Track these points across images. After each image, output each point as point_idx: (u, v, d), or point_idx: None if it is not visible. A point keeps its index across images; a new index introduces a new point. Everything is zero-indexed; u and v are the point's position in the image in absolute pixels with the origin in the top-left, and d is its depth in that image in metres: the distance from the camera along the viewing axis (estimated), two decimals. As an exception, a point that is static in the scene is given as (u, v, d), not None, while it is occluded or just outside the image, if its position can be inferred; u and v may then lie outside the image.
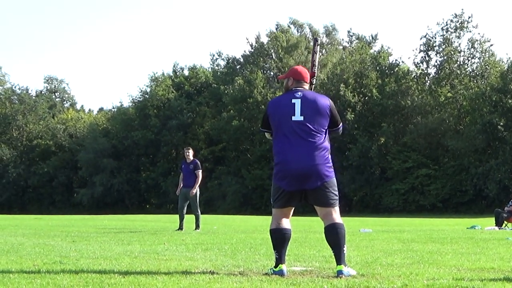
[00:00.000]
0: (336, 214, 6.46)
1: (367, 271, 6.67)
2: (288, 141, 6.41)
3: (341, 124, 6.71)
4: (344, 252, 6.41)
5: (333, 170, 6.52)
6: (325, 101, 6.55)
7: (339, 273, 6.18)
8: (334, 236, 6.38)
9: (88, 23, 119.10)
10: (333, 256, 6.43)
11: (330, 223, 6.41)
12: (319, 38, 7.13)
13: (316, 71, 6.94)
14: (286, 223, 6.54)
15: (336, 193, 6.51)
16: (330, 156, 6.54)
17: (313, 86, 6.88)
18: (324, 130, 6.49)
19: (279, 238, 6.49)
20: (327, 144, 6.51)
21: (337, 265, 6.31)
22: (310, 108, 6.44)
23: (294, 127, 6.40)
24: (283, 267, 6.38)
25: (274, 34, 65.56)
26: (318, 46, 7.16)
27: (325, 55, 64.45)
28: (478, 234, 16.17)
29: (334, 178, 6.53)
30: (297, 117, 6.41)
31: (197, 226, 16.80)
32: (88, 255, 8.77)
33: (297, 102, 6.45)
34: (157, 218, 33.04)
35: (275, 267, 6.43)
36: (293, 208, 6.66)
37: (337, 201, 6.50)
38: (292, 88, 6.62)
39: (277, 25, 67.55)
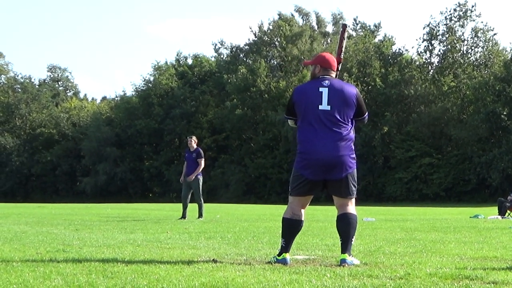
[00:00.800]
0: (351, 206, 6.45)
1: (370, 260, 6.67)
2: (314, 130, 6.33)
3: (366, 113, 6.64)
4: (352, 242, 6.41)
5: (355, 161, 6.49)
6: (352, 90, 6.48)
7: (343, 262, 6.18)
8: (346, 225, 6.38)
9: (91, 11, 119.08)
10: (339, 245, 6.41)
11: (344, 212, 6.41)
12: (348, 25, 7.05)
13: (342, 58, 6.81)
14: (301, 213, 6.50)
15: (356, 184, 6.50)
16: (353, 147, 6.50)
17: (338, 72, 6.74)
18: (350, 120, 6.44)
19: (291, 228, 6.48)
20: (352, 134, 6.46)
21: (341, 253, 6.31)
22: (337, 97, 6.35)
23: (320, 116, 6.32)
24: (287, 256, 6.38)
25: (277, 23, 65.32)
26: (347, 33, 7.07)
27: (329, 44, 64.29)
28: (481, 223, 16.18)
29: (355, 169, 6.50)
30: (324, 106, 6.33)
31: (200, 215, 16.82)
32: (91, 243, 8.79)
33: (325, 91, 6.36)
34: (160, 206, 33.12)
35: (279, 255, 6.42)
36: (312, 197, 6.62)
37: (355, 192, 6.49)
38: (319, 76, 6.51)
39: (279, 14, 67.17)
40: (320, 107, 6.33)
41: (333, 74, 6.56)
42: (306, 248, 8.04)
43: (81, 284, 4.88)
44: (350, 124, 6.43)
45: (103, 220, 16.70)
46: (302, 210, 6.53)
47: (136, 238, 9.83)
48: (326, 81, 6.42)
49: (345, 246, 6.31)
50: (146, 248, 8.08)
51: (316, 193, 6.57)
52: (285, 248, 6.44)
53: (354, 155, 6.46)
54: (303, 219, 6.52)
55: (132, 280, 5.09)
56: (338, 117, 6.34)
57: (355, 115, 6.47)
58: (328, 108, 6.32)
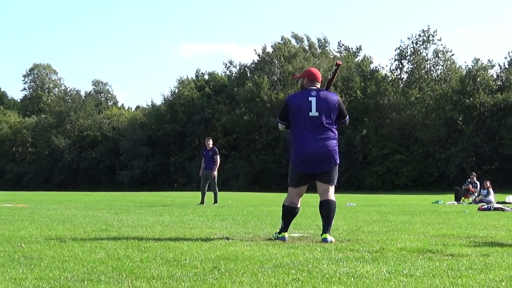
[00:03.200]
0: (331, 192, 6.43)
1: (352, 237, 6.67)
2: (306, 131, 6.32)
3: (347, 116, 6.59)
4: (332, 224, 6.40)
5: (338, 156, 6.47)
6: (334, 98, 6.47)
7: (324, 240, 6.16)
8: (327, 210, 6.37)
9: (128, 37, 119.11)
10: (322, 226, 6.41)
11: (326, 199, 6.39)
12: (341, 63, 6.81)
13: (330, 86, 6.75)
14: (297, 201, 6.51)
15: (337, 174, 6.50)
16: (338, 145, 6.49)
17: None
18: (335, 122, 6.42)
19: (289, 213, 6.48)
20: (336, 134, 6.45)
21: (323, 233, 6.29)
22: (323, 105, 6.33)
23: (311, 120, 6.31)
24: (286, 235, 6.38)
25: (277, 46, 65.38)
26: (339, 70, 6.96)
27: (317, 63, 64.25)
28: (441, 207, 16.18)
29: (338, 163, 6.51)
30: (313, 112, 6.31)
31: (215, 201, 16.83)
32: (128, 224, 8.80)
33: (313, 100, 6.33)
34: (183, 194, 33.13)
35: (279, 233, 6.43)
36: (307, 187, 6.60)
37: (336, 180, 6.50)
38: (307, 87, 6.48)
39: (281, 38, 67.46)
40: (310, 114, 6.31)
41: (318, 85, 6.53)
42: (301, 227, 8.04)
43: (120, 257, 4.90)
44: (334, 126, 6.44)
45: (137, 205, 16.72)
46: (298, 199, 6.54)
47: (163, 219, 9.84)
48: (314, 92, 6.39)
49: (326, 228, 6.30)
50: (172, 228, 8.09)
51: (309, 183, 6.54)
52: (284, 228, 6.45)
53: (337, 150, 6.46)
54: (298, 206, 6.53)
55: (161, 254, 5.11)
56: (325, 121, 6.33)
57: (338, 118, 6.45)
58: (317, 114, 6.31)
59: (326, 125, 6.33)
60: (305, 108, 6.32)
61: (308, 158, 6.32)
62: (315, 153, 6.29)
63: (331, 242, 6.12)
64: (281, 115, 6.56)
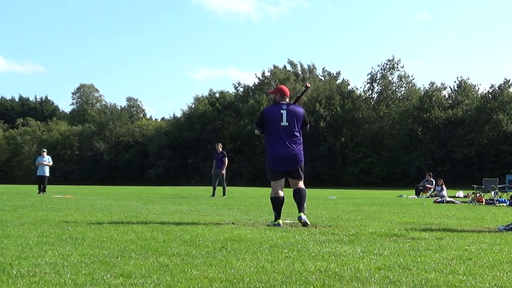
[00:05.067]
0: (301, 183, 6.50)
1: (333, 224, 6.66)
2: (278, 137, 6.36)
3: (308, 124, 6.66)
4: (304, 205, 6.40)
5: (303, 156, 6.53)
6: (301, 110, 6.53)
7: (300, 218, 6.22)
8: (299, 195, 6.41)
9: (156, 66, 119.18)
10: (297, 208, 6.39)
11: (297, 187, 6.46)
12: (310, 86, 6.88)
13: (298, 101, 6.75)
14: (280, 191, 6.49)
15: (303, 171, 6.55)
16: (302, 147, 6.55)
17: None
18: (300, 130, 6.47)
19: (277, 202, 6.47)
20: (301, 140, 6.50)
21: (298, 212, 6.31)
22: (292, 116, 6.39)
23: (282, 129, 6.36)
24: (280, 221, 6.37)
25: (273, 71, 65.49)
26: (307, 92, 7.01)
27: (305, 83, 64.20)
28: (404, 200, 16.16)
29: (303, 162, 6.55)
30: (284, 122, 6.37)
31: (224, 194, 16.83)
32: (153, 212, 8.80)
33: (284, 113, 6.39)
34: (198, 189, 33.16)
35: (274, 221, 6.41)
36: (284, 179, 6.59)
37: (303, 175, 6.55)
38: (279, 101, 6.52)
39: (274, 66, 67.56)
40: (282, 124, 6.37)
41: (287, 99, 6.56)
42: (292, 215, 8.01)
43: (147, 238, 4.88)
44: (300, 133, 6.49)
45: (161, 197, 16.73)
46: (281, 189, 6.52)
47: (182, 208, 9.84)
48: (284, 105, 6.44)
49: (300, 208, 6.33)
50: (189, 215, 8.09)
51: (284, 176, 6.52)
52: (277, 216, 6.43)
53: (302, 152, 6.50)
54: (282, 194, 6.50)
55: (180, 235, 5.10)
56: (293, 129, 6.39)
57: (302, 126, 6.49)
58: (287, 124, 6.37)
59: (294, 133, 6.39)
60: (278, 118, 6.37)
61: (280, 158, 6.36)
62: (285, 155, 6.35)
63: (305, 220, 6.16)
64: (257, 123, 6.59)
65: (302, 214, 6.25)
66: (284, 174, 6.47)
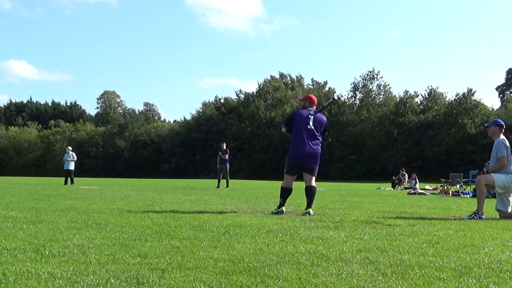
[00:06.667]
0: (313, 180, 6.42)
1: (320, 212, 6.65)
2: (303, 137, 6.31)
3: (327, 132, 6.64)
4: (313, 202, 6.38)
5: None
6: (324, 119, 6.50)
7: (308, 213, 6.14)
8: (310, 192, 6.35)
9: (169, 76, 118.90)
10: (306, 204, 6.36)
11: (309, 185, 6.38)
12: (338, 99, 6.81)
13: (323, 110, 6.77)
14: (291, 184, 6.45)
15: (317, 169, 6.53)
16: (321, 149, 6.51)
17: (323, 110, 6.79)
18: (321, 135, 6.45)
19: (286, 192, 6.41)
20: (321, 142, 6.47)
21: (307, 208, 6.27)
22: (317, 122, 6.38)
23: (308, 131, 6.33)
24: (283, 209, 6.33)
25: (269, 81, 65.47)
26: (332, 104, 6.98)
27: (294, 93, 64.26)
28: (382, 192, 16.16)
29: None
30: (310, 126, 6.34)
31: (227, 186, 16.83)
32: (167, 201, 8.79)
33: (311, 118, 6.36)
34: (205, 181, 33.12)
35: (278, 208, 6.35)
36: (296, 175, 6.55)
37: (317, 173, 6.50)
38: (308, 107, 6.50)
39: (270, 76, 67.44)
40: (308, 127, 6.34)
41: (314, 107, 6.57)
42: (286, 205, 8.00)
43: (161, 224, 4.87)
44: (321, 137, 6.46)
45: (174, 188, 16.71)
46: (291, 182, 6.49)
47: (191, 198, 9.83)
48: (312, 112, 6.44)
49: (309, 205, 6.29)
50: (197, 204, 8.07)
51: (298, 172, 6.50)
52: (282, 204, 6.37)
53: (320, 154, 6.47)
54: (292, 187, 6.48)
55: (189, 222, 5.08)
56: (317, 133, 6.37)
57: (323, 132, 6.47)
58: (312, 127, 6.34)
59: (317, 136, 6.36)
60: (305, 122, 6.34)
61: (302, 155, 6.31)
62: (307, 153, 6.30)
63: (312, 215, 6.09)
64: (286, 122, 6.48)
65: (310, 210, 6.21)
66: (299, 170, 6.41)
